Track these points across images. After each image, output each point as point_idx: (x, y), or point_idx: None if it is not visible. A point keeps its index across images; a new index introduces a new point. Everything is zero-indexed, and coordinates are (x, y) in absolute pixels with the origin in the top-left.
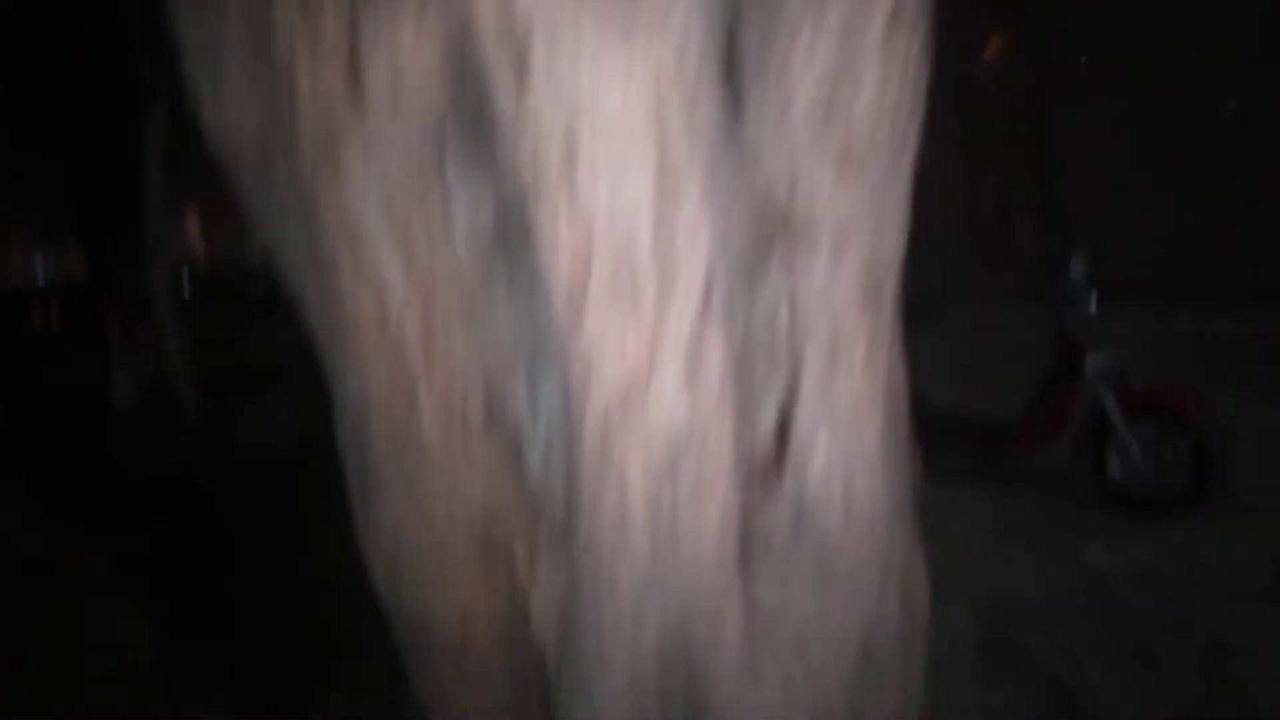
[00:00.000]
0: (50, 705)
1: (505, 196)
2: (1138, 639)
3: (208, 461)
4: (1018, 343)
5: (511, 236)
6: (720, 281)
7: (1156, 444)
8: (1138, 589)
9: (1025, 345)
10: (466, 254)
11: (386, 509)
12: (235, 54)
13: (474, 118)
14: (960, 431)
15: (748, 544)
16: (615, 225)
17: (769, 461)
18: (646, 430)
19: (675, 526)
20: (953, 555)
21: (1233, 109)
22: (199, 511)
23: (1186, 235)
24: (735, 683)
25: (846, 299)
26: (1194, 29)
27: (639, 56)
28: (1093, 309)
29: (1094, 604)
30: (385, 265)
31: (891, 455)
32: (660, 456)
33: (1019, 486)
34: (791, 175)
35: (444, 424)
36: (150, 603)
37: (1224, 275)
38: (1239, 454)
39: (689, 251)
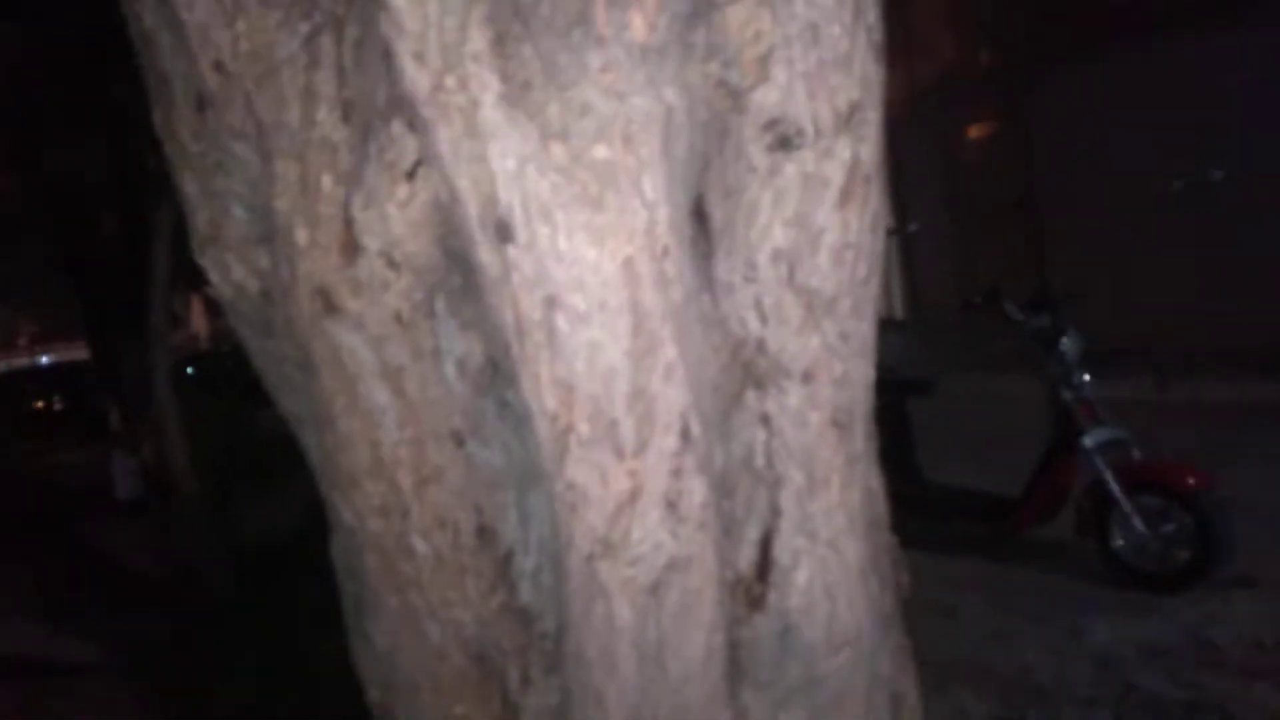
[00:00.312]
0: None
1: (491, 337)
2: None
3: (209, 551)
4: (1012, 411)
5: (500, 371)
6: (697, 416)
7: (1159, 517)
8: (1148, 667)
9: (1020, 414)
10: (457, 384)
11: (380, 624)
12: (237, 216)
13: (460, 268)
14: (960, 505)
15: (735, 659)
16: (594, 370)
17: (753, 579)
18: (631, 554)
19: (662, 643)
20: (957, 634)
21: (1220, 175)
22: (200, 604)
23: (1178, 302)
24: None
25: (821, 424)
26: (1181, 99)
27: (612, 219)
28: (1087, 380)
29: (1105, 684)
30: (377, 395)
31: (873, 566)
32: (645, 578)
33: (1021, 560)
34: (761, 315)
35: (436, 541)
36: (152, 698)
37: (1218, 341)
38: (1243, 525)
39: (665, 391)
